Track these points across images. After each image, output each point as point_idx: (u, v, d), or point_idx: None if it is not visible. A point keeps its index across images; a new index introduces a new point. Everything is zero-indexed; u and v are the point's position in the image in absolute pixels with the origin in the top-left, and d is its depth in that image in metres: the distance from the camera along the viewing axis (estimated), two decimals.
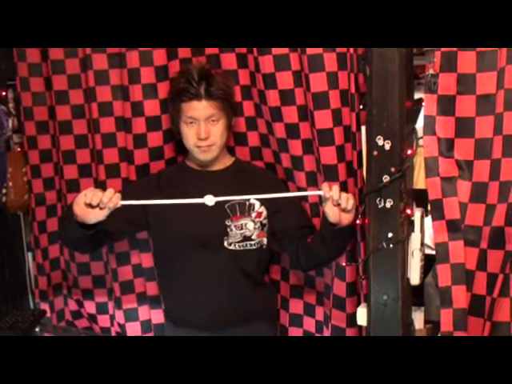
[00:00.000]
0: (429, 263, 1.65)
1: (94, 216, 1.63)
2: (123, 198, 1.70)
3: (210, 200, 1.64)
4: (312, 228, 1.86)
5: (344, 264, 1.81)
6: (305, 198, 1.90)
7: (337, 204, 1.60)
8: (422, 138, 1.52)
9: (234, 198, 1.76)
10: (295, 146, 1.84)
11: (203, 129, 1.78)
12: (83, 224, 1.67)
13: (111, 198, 1.59)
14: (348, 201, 1.60)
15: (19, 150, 2.18)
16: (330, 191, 1.59)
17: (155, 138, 1.97)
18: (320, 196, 1.67)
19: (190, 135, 1.82)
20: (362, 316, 1.70)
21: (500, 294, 1.37)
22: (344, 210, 1.62)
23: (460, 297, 1.45)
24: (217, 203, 1.68)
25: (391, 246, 1.52)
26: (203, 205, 1.71)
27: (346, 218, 1.64)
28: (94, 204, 1.59)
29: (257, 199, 1.85)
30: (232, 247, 1.85)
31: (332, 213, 1.62)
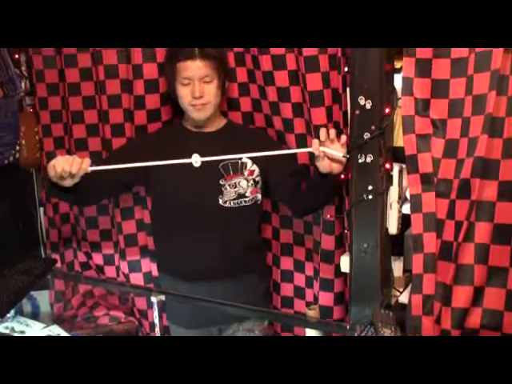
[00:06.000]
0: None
1: (69, 183, 1.72)
2: (122, 154, 1.86)
3: (195, 161, 1.77)
4: (303, 173, 1.96)
5: (331, 218, 1.94)
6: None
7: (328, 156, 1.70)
8: (400, 98, 1.63)
9: (221, 158, 1.85)
10: (286, 109, 1.95)
11: (197, 87, 1.89)
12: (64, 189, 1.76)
13: (79, 169, 1.67)
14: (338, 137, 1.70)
15: (31, 110, 2.28)
16: (319, 148, 1.69)
17: (153, 100, 2.09)
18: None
19: (185, 94, 1.92)
20: (345, 263, 1.84)
21: (464, 239, 1.49)
22: (333, 160, 1.72)
23: (430, 243, 1.57)
24: (210, 163, 1.81)
25: (371, 197, 1.66)
26: (198, 166, 1.83)
27: (337, 168, 1.74)
28: (65, 177, 1.68)
29: (248, 158, 1.96)
30: (227, 205, 1.96)
31: (323, 165, 1.73)
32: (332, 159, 1.72)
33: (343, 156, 1.70)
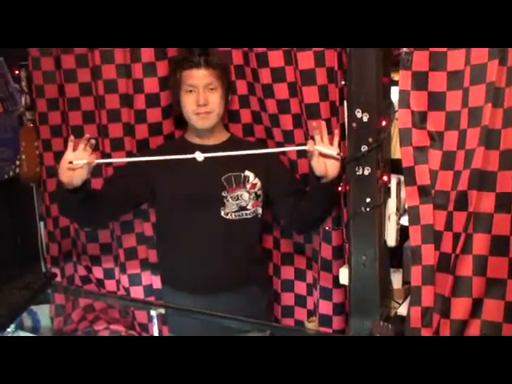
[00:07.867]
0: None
1: (78, 176, 1.77)
2: (126, 169, 1.94)
3: (199, 156, 1.84)
4: (304, 191, 1.97)
5: (329, 228, 1.95)
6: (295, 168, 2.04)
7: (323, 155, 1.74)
8: (397, 111, 1.64)
9: (222, 154, 1.84)
10: (286, 121, 1.96)
11: (202, 95, 1.91)
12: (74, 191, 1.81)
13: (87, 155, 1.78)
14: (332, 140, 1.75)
15: (31, 125, 2.29)
16: (314, 146, 1.72)
17: (154, 114, 2.10)
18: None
19: (189, 103, 1.94)
20: (344, 276, 1.84)
21: (462, 251, 1.49)
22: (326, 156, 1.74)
23: (428, 255, 1.57)
24: (213, 176, 1.89)
25: (369, 210, 1.66)
26: (201, 178, 1.90)
27: (331, 170, 1.76)
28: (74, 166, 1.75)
29: (251, 172, 1.99)
30: (229, 217, 1.98)
31: (318, 166, 1.75)
32: (327, 158, 1.74)
33: (337, 154, 1.73)
